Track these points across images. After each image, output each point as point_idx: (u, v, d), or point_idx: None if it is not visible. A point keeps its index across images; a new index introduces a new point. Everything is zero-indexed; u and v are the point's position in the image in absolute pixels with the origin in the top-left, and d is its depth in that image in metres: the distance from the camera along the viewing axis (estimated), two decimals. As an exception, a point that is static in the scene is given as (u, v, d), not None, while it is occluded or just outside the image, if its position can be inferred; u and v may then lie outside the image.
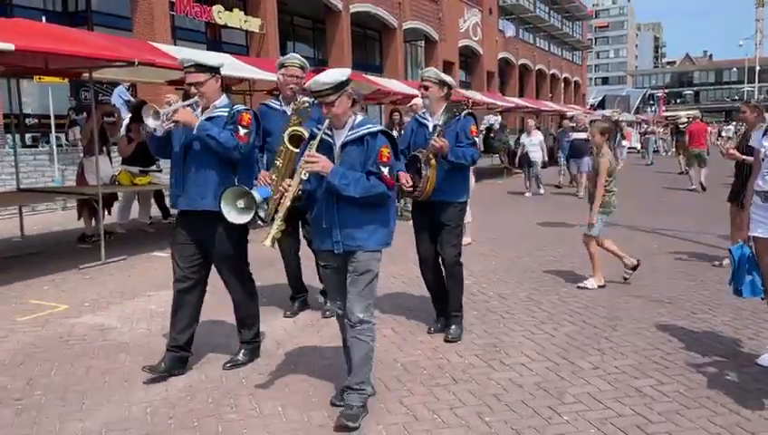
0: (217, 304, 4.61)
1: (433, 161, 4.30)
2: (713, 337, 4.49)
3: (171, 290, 3.90)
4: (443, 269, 4.62)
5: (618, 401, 3.47)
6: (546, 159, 14.88)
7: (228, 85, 11.09)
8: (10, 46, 5.61)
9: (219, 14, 19.22)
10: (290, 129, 3.86)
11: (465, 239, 8.10)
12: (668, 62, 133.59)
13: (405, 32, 29.14)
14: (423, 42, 32.22)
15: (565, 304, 5.33)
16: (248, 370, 3.95)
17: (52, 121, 12.98)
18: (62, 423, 3.26)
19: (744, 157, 6.32)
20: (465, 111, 4.41)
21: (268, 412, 3.37)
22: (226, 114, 3.77)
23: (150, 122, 3.65)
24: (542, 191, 14.21)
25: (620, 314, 5.04)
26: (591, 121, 8.33)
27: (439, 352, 4.24)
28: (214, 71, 3.76)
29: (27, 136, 15.26)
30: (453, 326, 4.52)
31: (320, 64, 23.82)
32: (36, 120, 16.04)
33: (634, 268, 5.97)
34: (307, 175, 3.13)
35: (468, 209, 8.02)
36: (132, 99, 13.45)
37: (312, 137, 3.26)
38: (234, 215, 3.63)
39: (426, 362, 4.06)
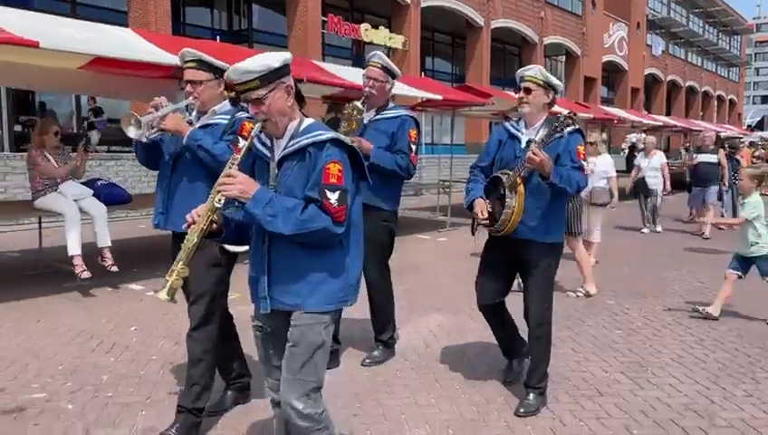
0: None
1: (521, 187, 3.44)
2: None
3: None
4: (502, 319, 3.94)
5: (774, 430, 3.42)
6: (669, 187, 11.00)
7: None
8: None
9: (366, 32, 20.22)
10: None
11: (591, 260, 7.76)
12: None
13: (546, 47, 28.85)
14: (564, 57, 31.68)
15: (715, 331, 5.20)
16: (401, 364, 4.30)
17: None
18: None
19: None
20: (571, 127, 3.43)
21: (423, 403, 3.69)
22: (226, 122, 3.20)
23: (132, 132, 3.17)
24: (659, 229, 10.97)
25: (778, 345, 4.85)
26: (751, 143, 7.87)
27: (583, 366, 4.36)
28: (218, 72, 3.17)
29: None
30: (530, 396, 3.62)
31: (457, 80, 24.27)
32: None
33: None
34: (221, 201, 2.26)
35: (597, 230, 7.75)
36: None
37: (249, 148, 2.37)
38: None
39: (570, 374, 4.19)
